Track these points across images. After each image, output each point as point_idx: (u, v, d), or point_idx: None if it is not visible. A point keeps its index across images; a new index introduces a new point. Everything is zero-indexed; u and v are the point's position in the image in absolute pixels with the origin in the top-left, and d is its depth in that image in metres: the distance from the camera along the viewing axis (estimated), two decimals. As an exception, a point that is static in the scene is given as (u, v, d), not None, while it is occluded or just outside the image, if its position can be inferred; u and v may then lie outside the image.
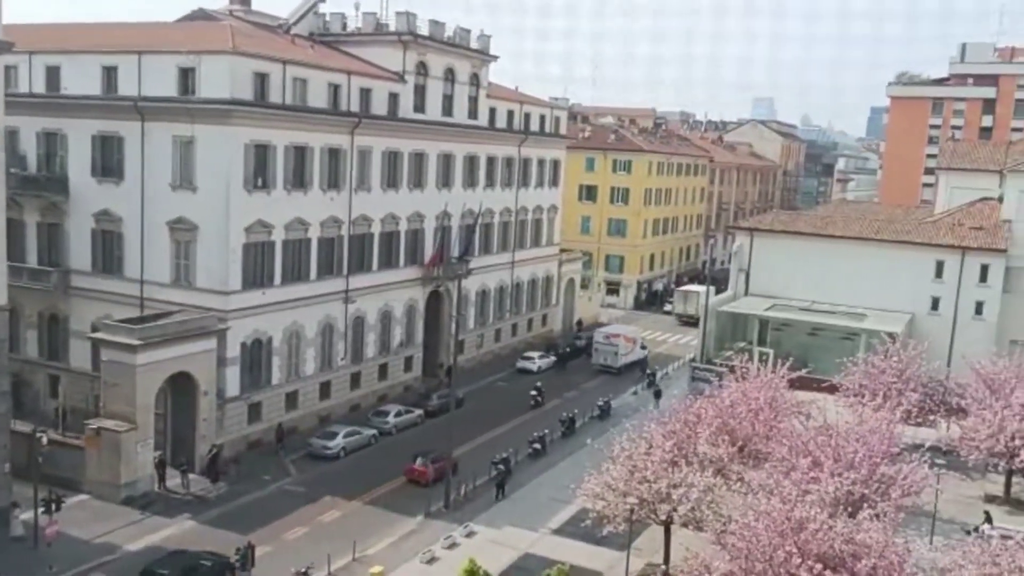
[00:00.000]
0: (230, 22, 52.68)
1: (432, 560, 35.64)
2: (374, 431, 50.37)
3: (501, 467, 44.56)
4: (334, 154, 51.35)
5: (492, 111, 67.20)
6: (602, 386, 63.59)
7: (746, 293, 65.57)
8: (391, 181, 56.38)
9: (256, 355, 47.56)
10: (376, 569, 33.63)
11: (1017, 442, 40.42)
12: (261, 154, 46.39)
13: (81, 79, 47.44)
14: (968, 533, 33.39)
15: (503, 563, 35.40)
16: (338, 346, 53.34)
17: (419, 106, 58.37)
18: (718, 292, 67.23)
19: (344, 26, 58.96)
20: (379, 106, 54.67)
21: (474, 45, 63.89)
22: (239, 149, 45.00)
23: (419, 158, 58.79)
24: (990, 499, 42.26)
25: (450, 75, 61.28)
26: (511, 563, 35.70)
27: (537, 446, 48.36)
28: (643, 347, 72.46)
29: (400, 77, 56.43)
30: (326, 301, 51.98)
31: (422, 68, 58.41)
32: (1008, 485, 42.88)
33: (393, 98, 55.85)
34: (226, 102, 44.07)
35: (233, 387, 46.19)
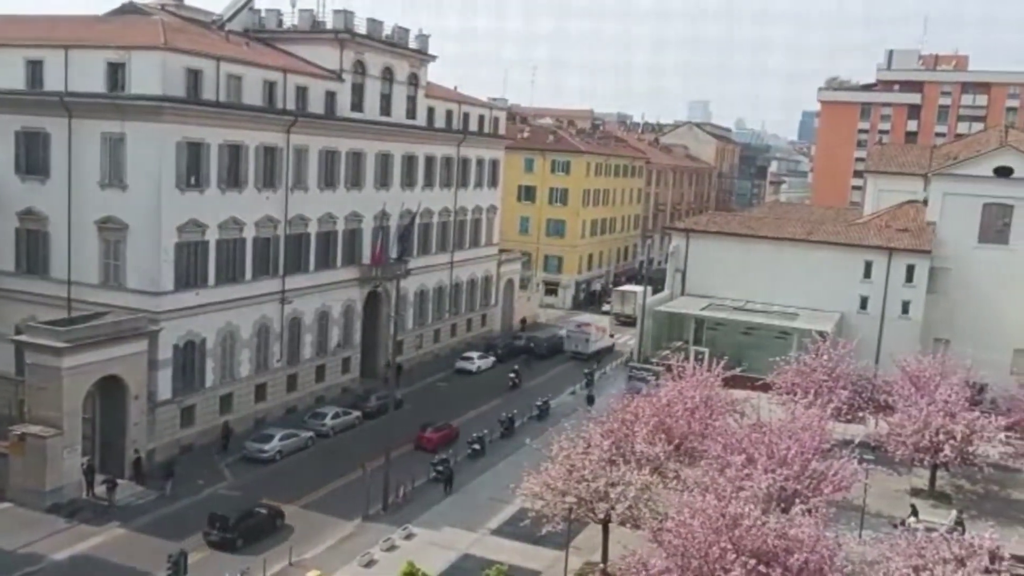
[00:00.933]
0: (161, 17, 51.49)
1: (370, 563, 35.34)
2: (311, 433, 49.74)
3: (440, 468, 44.48)
4: (270, 153, 50.58)
5: (431, 111, 66.95)
6: (541, 386, 63.79)
7: (682, 293, 66.51)
8: (328, 180, 55.77)
9: (189, 357, 46.58)
10: (313, 573, 33.24)
11: (941, 437, 41.64)
12: (194, 152, 45.47)
13: (4, 73, 45.91)
14: (895, 526, 34.32)
15: (442, 564, 35.28)
16: (274, 347, 52.56)
17: (357, 105, 57.85)
18: (655, 292, 68.07)
19: (280, 23, 58.12)
20: (316, 105, 54.03)
21: (413, 44, 63.59)
22: (171, 147, 44.04)
23: (357, 157, 58.28)
24: (916, 493, 43.50)
25: (388, 74, 60.87)
26: (450, 564, 35.60)
27: (476, 447, 48.32)
28: (611, 335, 77.76)
29: (337, 76, 55.86)
30: (262, 302, 51.18)
31: (360, 67, 57.90)
32: (933, 479, 44.19)
33: (330, 97, 55.25)
34: (157, 99, 43.11)
35: (165, 390, 45.17)
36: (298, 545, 36.21)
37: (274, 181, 51.12)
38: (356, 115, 57.73)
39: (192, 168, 45.47)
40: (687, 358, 47.84)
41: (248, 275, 49.97)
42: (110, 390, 41.93)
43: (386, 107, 61.09)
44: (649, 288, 65.78)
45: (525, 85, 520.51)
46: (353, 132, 57.46)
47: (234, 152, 48.06)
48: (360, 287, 59.92)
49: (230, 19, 56.52)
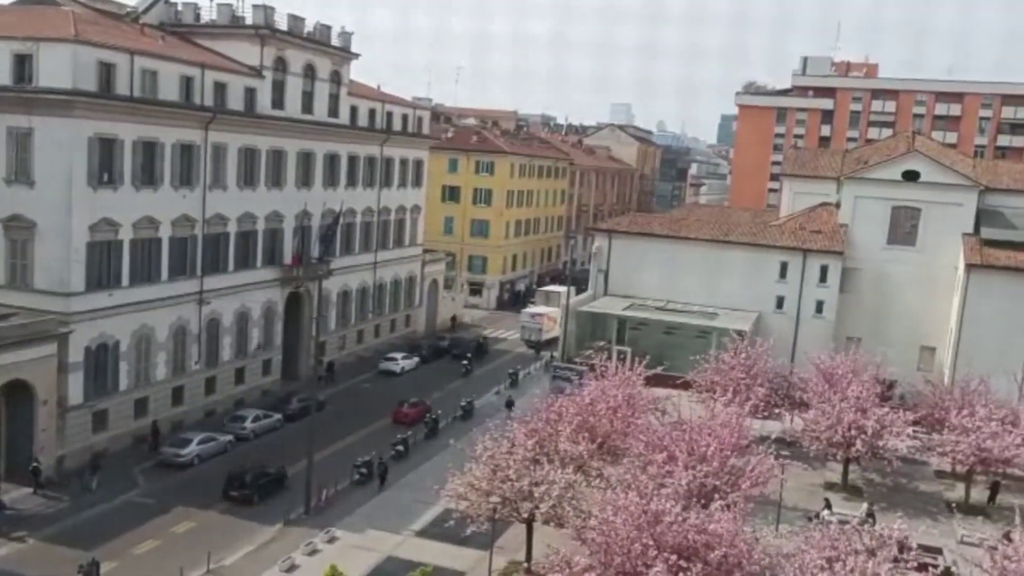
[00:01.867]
0: (72, 8, 49.68)
1: (292, 568, 34.76)
2: (230, 437, 48.67)
3: (363, 470, 44.08)
4: (187, 150, 49.35)
5: (354, 109, 66.25)
6: (465, 386, 63.73)
7: (605, 293, 67.27)
8: (248, 179, 54.68)
9: (102, 360, 45.10)
10: (232, 580, 32.55)
11: (853, 432, 42.95)
12: (107, 148, 44.05)
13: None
14: (810, 519, 35.29)
15: (365, 567, 34.92)
16: (191, 349, 51.27)
17: (277, 102, 56.87)
18: (578, 292, 68.70)
19: (197, 17, 56.72)
20: (235, 101, 52.92)
21: (335, 42, 62.82)
22: (82, 142, 42.58)
23: (278, 156, 57.28)
24: (829, 486, 44.79)
25: (310, 71, 60.00)
26: (374, 567, 35.25)
27: (400, 448, 47.97)
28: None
29: (257, 72, 54.81)
30: (178, 303, 49.89)
31: (280, 63, 56.93)
32: (845, 473, 45.58)
33: (250, 93, 54.18)
34: (67, 92, 41.63)
35: (76, 395, 43.64)
36: (217, 551, 35.38)
37: (191, 179, 49.89)
38: (277, 113, 56.75)
39: (105, 165, 44.04)
40: (610, 357, 48.35)
41: (164, 276, 48.64)
42: (17, 395, 40.30)
43: (308, 105, 60.20)
44: (573, 288, 66.32)
45: (449, 85, 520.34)
46: (274, 130, 56.48)
47: (149, 149, 46.71)
48: (281, 288, 58.92)
49: (145, 12, 54.93)
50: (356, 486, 43.64)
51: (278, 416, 52.55)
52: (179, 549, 35.81)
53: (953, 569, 34.09)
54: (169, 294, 49.06)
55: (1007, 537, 30.07)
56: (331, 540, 37.29)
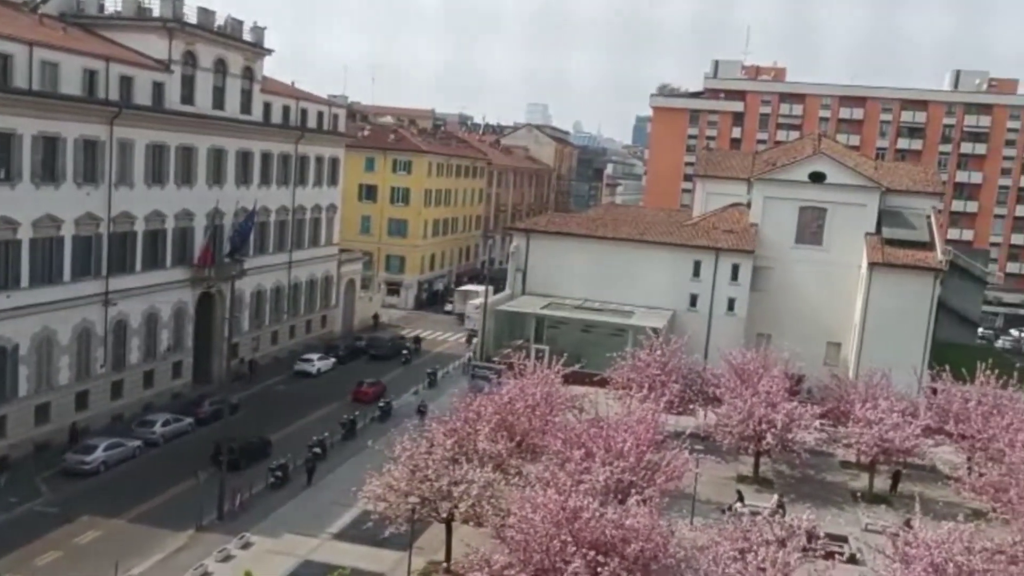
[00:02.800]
0: (-35, -4, 47.49)
1: (204, 575, 33.87)
2: (139, 442, 47.13)
3: (278, 473, 43.29)
4: (90, 146, 47.59)
5: (267, 106, 64.98)
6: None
7: (523, 292, 67.56)
8: (156, 176, 53.07)
9: (-1, 365, 43.19)
10: (141, 590, 31.53)
11: (763, 426, 44.09)
12: (4, 143, 42.21)
13: None
14: (723, 512, 36.05)
15: (281, 572, 34.25)
16: (97, 352, 49.49)
17: (187, 98, 55.36)
18: (496, 291, 68.78)
19: (101, 8, 54.85)
20: (142, 96, 51.31)
21: (247, 37, 61.50)
22: (-23, 137, 40.69)
23: (187, 152, 55.75)
24: (742, 479, 45.86)
25: (221, 66, 58.60)
26: (290, 572, 34.60)
27: (317, 450, 47.19)
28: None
29: (165, 66, 53.26)
30: (83, 304, 48.10)
31: (190, 58, 55.42)
32: (756, 466, 46.77)
33: (158, 88, 52.61)
34: (-39, 84, 39.71)
35: (-28, 401, 41.68)
36: (125, 560, 34.20)
37: (96, 176, 48.15)
38: (186, 108, 55.25)
39: (2, 160, 42.15)
40: (528, 356, 48.55)
41: (67, 276, 46.84)
42: (-94, 402, 38.26)
43: (219, 101, 58.77)
44: (491, 288, 66.41)
45: (366, 83, 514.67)
46: (183, 126, 54.95)
47: (50, 144, 44.89)
48: (192, 288, 57.37)
49: (44, 2, 52.73)
50: (271, 490, 42.79)
51: (189, 420, 51.16)
52: (85, 559, 34.52)
53: (858, 556, 35.40)
54: (72, 295, 47.25)
55: (908, 524, 31.38)
56: (245, 546, 36.45)
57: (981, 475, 39.24)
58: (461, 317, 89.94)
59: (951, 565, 25.75)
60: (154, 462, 45.69)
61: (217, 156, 58.87)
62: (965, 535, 27.02)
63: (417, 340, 78.89)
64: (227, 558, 35.17)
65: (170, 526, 38.27)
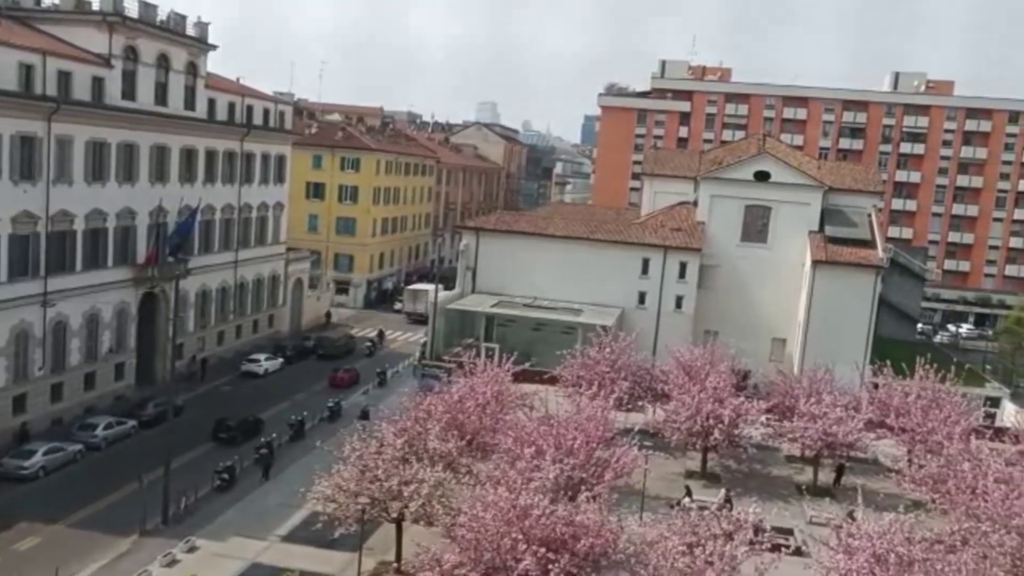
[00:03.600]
0: None
1: (149, 581, 33.24)
2: (80, 446, 46.06)
3: (225, 476, 42.62)
4: (27, 142, 46.33)
5: (212, 102, 63.93)
6: (332, 389, 62.55)
7: (473, 291, 67.49)
8: (97, 174, 51.87)
9: (-68, 368, 41.85)
10: (83, 597, 30.80)
11: (711, 422, 44.61)
12: (-65, 139, 40.87)
13: None
14: (672, 507, 36.41)
15: (228, 576, 33.78)
16: (35, 355, 48.22)
17: (128, 93, 54.21)
18: (446, 290, 68.61)
19: (38, 1, 53.42)
20: (81, 91, 50.11)
21: (191, 32, 60.41)
22: (-93, 133, 39.33)
23: (129, 149, 54.58)
24: (690, 474, 46.36)
25: (164, 62, 57.49)
26: (238, 575, 34.11)
27: (264, 451, 46.57)
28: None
29: (106, 61, 52.08)
30: (19, 305, 46.82)
31: (131, 53, 54.28)
32: (704, 461, 47.32)
33: (98, 83, 51.41)
34: None
35: (-97, 405, 40.31)
36: (66, 567, 33.39)
37: (33, 173, 46.89)
38: (128, 104, 54.08)
39: (-67, 157, 40.86)
40: (478, 355, 48.50)
41: (3, 276, 45.56)
42: None
43: (162, 97, 57.67)
44: (440, 286, 66.21)
45: (313, 80, 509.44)
46: (125, 122, 53.80)
47: (-15, 140, 43.62)
48: (135, 288, 56.21)
49: (-21, -6, 51.30)
50: (217, 492, 42.12)
51: (132, 423, 50.14)
52: (23, 566, 33.63)
53: (803, 548, 36.01)
54: (9, 296, 45.98)
55: (851, 516, 31.99)
56: (191, 549, 35.84)
57: (921, 467, 40.18)
58: (411, 315, 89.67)
59: (892, 555, 26.33)
60: (96, 466, 44.70)
61: (160, 153, 57.74)
62: (905, 526, 27.65)
63: (381, 334, 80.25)
64: (172, 563, 34.55)
65: (113, 531, 37.45)
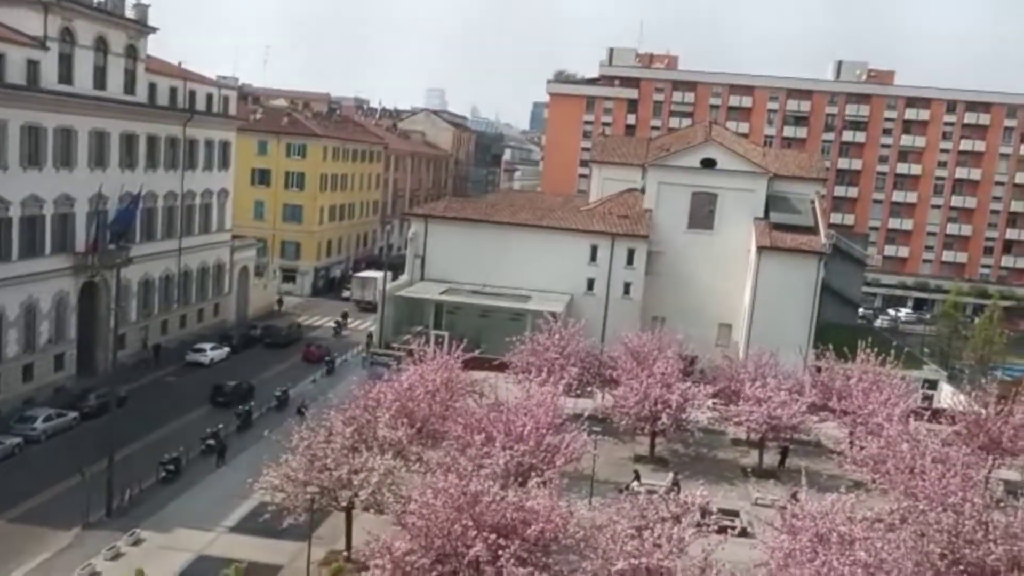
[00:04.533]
0: None
1: (93, 575, 32.57)
2: (18, 439, 44.86)
3: (170, 467, 41.97)
4: (-41, 126, 44.85)
5: (152, 87, 62.51)
6: (280, 376, 61.91)
7: (422, 278, 67.26)
8: (33, 159, 50.41)
9: None
10: (24, 593, 30.11)
11: (659, 407, 45.20)
12: None
13: None
14: (621, 491, 36.85)
15: (175, 569, 33.27)
16: (-30, 346, 46.85)
17: (65, 77, 52.73)
18: (395, 278, 68.28)
19: (-31, -20, 51.52)
20: (15, 74, 48.58)
21: (130, 14, 58.95)
22: None
23: (66, 134, 53.12)
24: (638, 459, 46.92)
25: (102, 45, 56.01)
26: (184, 568, 33.63)
27: (211, 442, 45.94)
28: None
29: (41, 43, 50.54)
30: (-47, 295, 45.40)
31: (68, 35, 52.77)
32: (652, 445, 47.92)
33: (32, 66, 49.90)
34: None
35: None
36: (5, 563, 32.62)
37: (-34, 158, 45.43)
38: (65, 88, 52.61)
39: None
40: (427, 342, 48.37)
41: (-65, 265, 44.13)
42: None
43: (100, 80, 56.20)
44: (389, 274, 65.84)
45: (257, 65, 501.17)
46: (61, 106, 52.31)
47: (-86, 124, 42.09)
48: (74, 277, 54.86)
49: (-95, -28, 49.37)
50: (162, 484, 41.44)
51: (74, 414, 49.00)
52: (-40, 564, 32.74)
53: (749, 529, 36.68)
54: (-58, 285, 44.58)
55: (795, 497, 32.68)
56: (136, 542, 35.24)
57: (861, 449, 41.15)
58: (359, 303, 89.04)
59: (834, 534, 26.99)
60: (36, 460, 43.65)
61: (99, 139, 56.31)
62: (847, 505, 28.35)
63: (344, 316, 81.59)
64: (117, 556, 33.95)
65: (55, 525, 36.66)
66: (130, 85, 59.50)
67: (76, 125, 53.83)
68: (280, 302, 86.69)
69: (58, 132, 52.29)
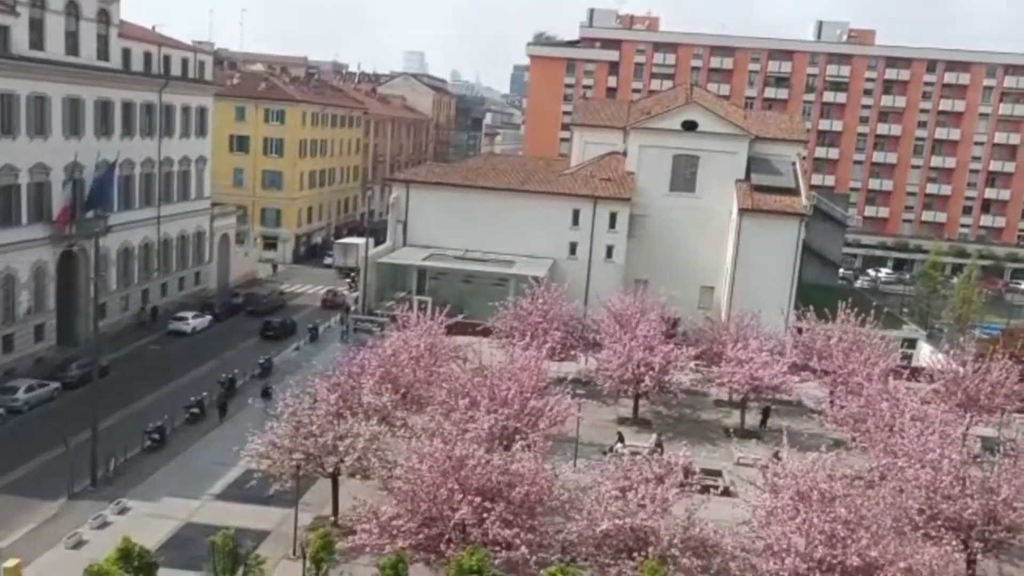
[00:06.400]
0: None
1: (79, 544, 32.57)
2: (1, 410, 44.67)
3: (155, 436, 41.89)
4: (-71, 94, 43.99)
5: (126, 52, 61.46)
6: (262, 344, 61.79)
7: (404, 244, 67.02)
8: (6, 128, 49.62)
9: None
10: (11, 563, 30.05)
11: (642, 369, 45.46)
12: None
13: None
14: (604, 453, 37.19)
15: (162, 536, 33.27)
16: (-52, 317, 46.42)
17: (36, 42, 51.75)
18: (377, 244, 68.00)
19: (-66, -57, 50.27)
20: (-14, 40, 47.64)
21: (101, -23, 57.73)
22: None
23: (40, 102, 52.23)
24: (622, 421, 47.28)
25: (73, 9, 54.91)
26: (171, 535, 33.66)
27: (195, 411, 45.91)
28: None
29: (10, 8, 49.49)
30: (-71, 266, 44.85)
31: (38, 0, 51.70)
32: (636, 407, 48.28)
33: (3, 32, 48.95)
34: None
35: None
36: (-9, 534, 32.60)
37: (-63, 127, 44.64)
38: (36, 54, 51.63)
39: None
40: (411, 308, 48.36)
41: (-91, 236, 43.54)
42: None
43: (73, 46, 55.18)
44: (371, 240, 65.55)
45: (233, 29, 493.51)
46: (33, 73, 51.38)
47: None
48: (52, 246, 54.28)
49: None
50: (147, 453, 41.42)
51: (55, 385, 48.75)
52: (-55, 535, 32.69)
53: (731, 488, 37.19)
54: (-83, 257, 44.02)
55: (776, 456, 33.12)
56: (122, 511, 35.26)
57: (842, 408, 41.69)
58: (341, 270, 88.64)
59: (815, 492, 27.39)
60: (19, 430, 43.47)
61: (73, 106, 55.39)
62: (828, 464, 28.75)
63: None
64: (103, 525, 33.96)
65: (40, 495, 36.58)
66: (103, 51, 58.45)
67: (49, 92, 52.92)
68: (275, 268, 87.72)
69: (31, 99, 51.40)
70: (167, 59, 67.06)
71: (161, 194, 66.87)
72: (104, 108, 58.77)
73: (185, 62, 69.92)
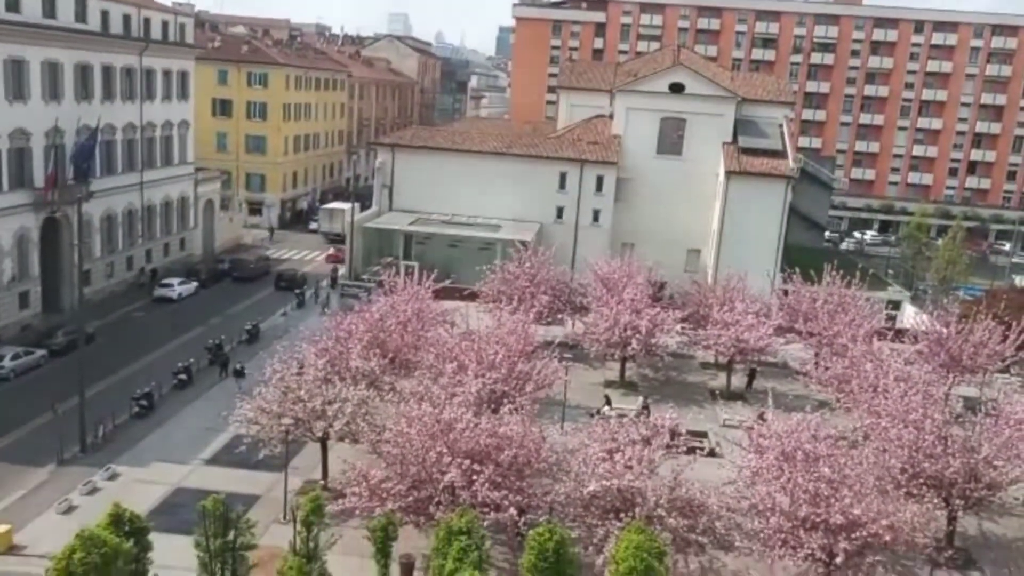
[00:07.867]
0: None
1: (70, 509, 32.72)
2: (-13, 378, 44.59)
3: (143, 403, 41.88)
4: (-95, 58, 43.19)
5: (105, 14, 60.37)
6: (249, 310, 61.66)
7: (390, 208, 66.80)
8: (-16, 92, 48.87)
9: None
10: (1, 528, 30.21)
11: (629, 332, 45.73)
12: None
13: None
14: (592, 415, 37.52)
15: (152, 502, 33.45)
16: (-69, 285, 46.03)
17: (12, 5, 50.73)
18: (363, 209, 67.71)
19: (-95, -98, 49.10)
20: (-39, 3, 46.70)
21: (78, -63, 56.54)
22: None
23: (17, 66, 51.38)
24: (609, 384, 47.67)
25: (51, -29, 53.83)
26: (161, 500, 33.86)
27: (183, 376, 45.90)
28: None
29: (-14, -31, 48.52)
30: (-90, 234, 44.36)
31: (14, -40, 50.63)
32: (623, 370, 48.63)
33: (-21, -6, 47.98)
34: None
35: None
36: (-20, 501, 32.67)
37: (-86, 92, 43.89)
38: (12, 16, 50.69)
39: None
40: (398, 273, 48.33)
41: None
42: None
43: (50, 8, 54.13)
44: (357, 205, 65.27)
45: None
46: (10, 36, 50.47)
47: None
48: (35, 213, 53.75)
49: None
50: (136, 419, 41.45)
51: (42, 352, 48.58)
52: (-66, 503, 32.75)
53: (717, 449, 37.62)
54: (-103, 224, 43.51)
55: (761, 417, 33.48)
56: (112, 477, 35.39)
57: (827, 369, 42.12)
58: (327, 235, 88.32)
59: (800, 452, 27.76)
60: (6, 398, 43.34)
61: (52, 69, 54.53)
62: (812, 424, 29.12)
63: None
64: (93, 491, 34.10)
65: (29, 462, 36.63)
66: (81, 13, 57.43)
67: (27, 56, 52.06)
68: (272, 232, 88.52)
69: (9, 63, 50.55)
70: (147, 21, 65.98)
71: (144, 159, 66.20)
72: (83, 72, 57.90)
73: (165, 24, 68.85)
